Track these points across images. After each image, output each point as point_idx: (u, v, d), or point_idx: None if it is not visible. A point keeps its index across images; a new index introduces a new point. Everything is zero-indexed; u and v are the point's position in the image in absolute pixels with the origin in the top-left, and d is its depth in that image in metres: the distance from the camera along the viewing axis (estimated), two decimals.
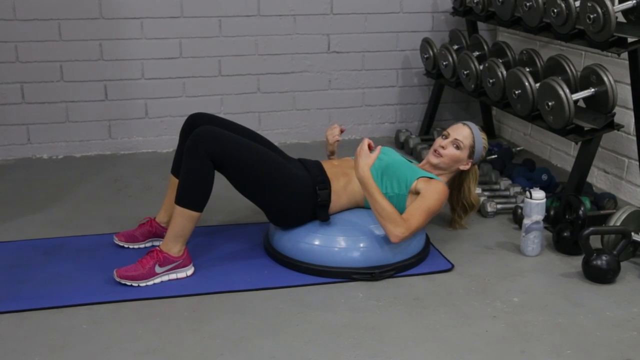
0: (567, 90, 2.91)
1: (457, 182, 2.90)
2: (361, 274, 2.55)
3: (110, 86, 3.96)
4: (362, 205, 2.71)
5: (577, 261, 2.69)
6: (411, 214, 2.53)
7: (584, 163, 2.99)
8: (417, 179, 2.65)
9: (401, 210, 2.69)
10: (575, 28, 3.02)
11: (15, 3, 3.71)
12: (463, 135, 2.78)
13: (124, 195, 3.41)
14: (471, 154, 2.79)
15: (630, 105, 3.09)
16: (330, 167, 2.70)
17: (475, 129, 2.82)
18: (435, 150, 2.79)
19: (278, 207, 2.60)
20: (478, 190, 3.26)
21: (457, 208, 2.97)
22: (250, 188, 2.57)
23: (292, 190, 2.57)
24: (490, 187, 3.39)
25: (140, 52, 3.94)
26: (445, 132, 2.82)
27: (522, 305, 2.41)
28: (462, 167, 2.80)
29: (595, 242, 2.72)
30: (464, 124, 2.83)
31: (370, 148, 2.53)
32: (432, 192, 2.59)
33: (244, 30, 4.05)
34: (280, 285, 2.51)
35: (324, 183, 2.61)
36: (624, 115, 3.26)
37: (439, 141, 2.80)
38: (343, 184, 2.66)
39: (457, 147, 2.76)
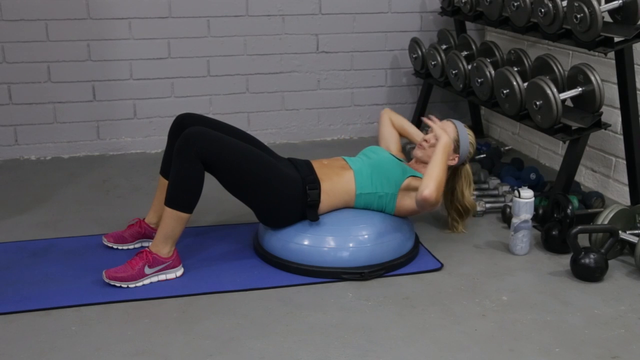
0: (555, 90, 2.93)
1: (449, 184, 2.89)
2: (351, 273, 2.56)
3: (99, 87, 3.94)
4: (352, 205, 2.71)
5: (565, 260, 2.71)
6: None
7: (571, 162, 3.00)
8: (408, 177, 2.66)
9: (391, 210, 2.69)
10: (562, 28, 3.04)
11: (1, 3, 3.69)
12: (446, 128, 2.78)
13: (113, 196, 3.39)
14: (456, 148, 2.79)
15: (617, 104, 3.11)
16: (320, 167, 2.70)
17: (460, 124, 2.84)
18: (419, 144, 2.82)
19: (268, 207, 2.60)
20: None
21: (451, 211, 2.96)
22: (240, 188, 2.56)
23: (282, 190, 2.56)
24: (479, 187, 3.39)
25: (128, 52, 3.92)
26: (419, 139, 2.88)
27: (511, 303, 2.41)
28: (449, 162, 2.77)
29: (583, 240, 2.73)
30: (448, 119, 2.87)
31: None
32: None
33: (233, 31, 4.04)
34: (270, 286, 2.51)
35: (314, 183, 2.61)
36: (611, 114, 3.28)
37: (424, 135, 2.84)
38: (333, 184, 2.66)
39: None
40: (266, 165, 2.54)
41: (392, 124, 3.02)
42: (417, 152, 2.82)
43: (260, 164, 2.53)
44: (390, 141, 3.00)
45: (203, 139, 2.44)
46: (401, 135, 3.03)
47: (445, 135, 2.65)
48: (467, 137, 2.82)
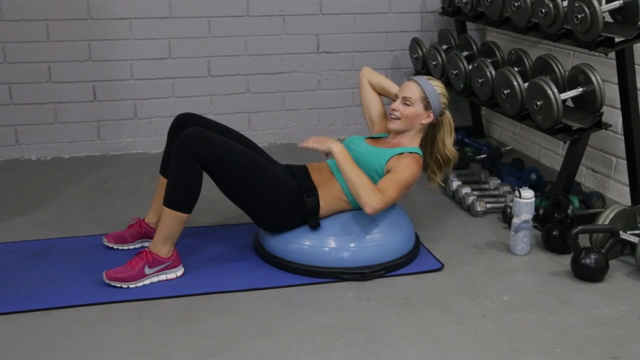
0: (556, 90, 2.93)
1: (429, 135, 2.77)
2: (351, 274, 2.56)
3: (99, 87, 3.94)
4: (351, 208, 2.70)
5: (566, 260, 2.71)
6: (385, 186, 2.48)
7: (572, 162, 3.00)
8: (387, 161, 2.59)
9: None
10: (563, 28, 3.04)
11: (2, 3, 3.69)
12: (409, 91, 2.66)
13: (113, 197, 3.39)
14: (427, 106, 2.66)
15: (618, 104, 3.11)
16: (316, 173, 2.68)
17: (423, 79, 2.69)
18: (389, 118, 2.71)
19: (264, 211, 2.58)
20: (467, 190, 3.26)
21: (430, 162, 2.81)
22: (236, 191, 2.54)
23: (278, 195, 2.55)
24: (479, 187, 3.40)
25: (129, 52, 3.92)
26: (394, 95, 2.75)
27: (511, 304, 2.41)
28: (425, 121, 2.67)
29: (584, 240, 2.73)
30: (410, 79, 2.72)
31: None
32: (403, 166, 2.54)
33: (233, 31, 4.04)
34: (271, 286, 2.51)
35: (311, 190, 2.60)
36: (612, 115, 3.28)
37: (391, 105, 2.72)
38: (328, 191, 2.63)
39: (408, 104, 2.64)
40: (262, 170, 2.53)
41: (372, 86, 2.90)
42: (391, 125, 2.69)
43: (256, 168, 2.52)
44: (372, 108, 2.89)
45: (201, 140, 2.44)
46: (381, 94, 2.91)
47: (329, 144, 2.51)
48: (434, 88, 2.67)
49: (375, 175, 2.60)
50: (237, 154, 2.50)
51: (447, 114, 2.76)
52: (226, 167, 2.48)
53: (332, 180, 2.66)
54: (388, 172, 2.57)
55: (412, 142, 2.69)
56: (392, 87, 2.87)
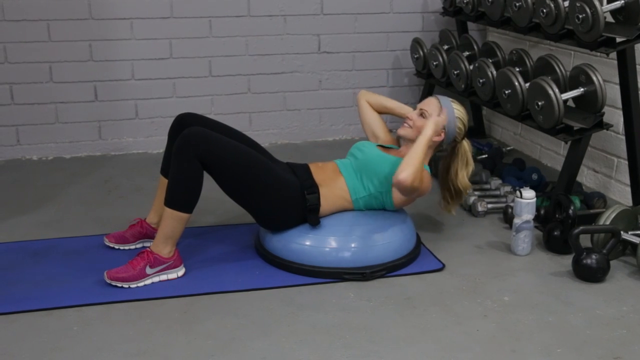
0: (557, 90, 2.93)
1: (446, 162, 2.81)
2: (352, 274, 2.55)
3: (100, 87, 3.94)
4: (352, 209, 2.70)
5: (567, 260, 2.71)
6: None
7: (573, 162, 3.00)
8: (397, 167, 2.57)
9: (390, 206, 2.67)
10: (564, 28, 3.03)
11: (3, 3, 3.69)
12: (428, 105, 2.72)
13: (114, 197, 3.39)
14: None
15: (619, 104, 3.11)
16: (317, 171, 2.68)
17: (445, 98, 2.75)
18: (403, 124, 2.74)
19: (266, 210, 2.59)
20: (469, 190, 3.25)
21: (443, 190, 2.86)
22: (237, 190, 2.55)
23: (280, 193, 2.56)
24: (480, 187, 3.39)
25: (130, 52, 3.92)
26: (398, 113, 2.82)
27: (512, 304, 2.41)
28: (435, 139, 2.67)
29: (585, 241, 2.73)
30: (434, 96, 2.77)
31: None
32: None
33: (234, 31, 4.04)
34: (271, 286, 2.51)
35: (312, 187, 2.60)
36: (613, 115, 3.28)
37: (407, 113, 2.78)
38: (330, 189, 2.64)
39: (423, 117, 2.69)
40: (264, 169, 2.54)
41: (371, 106, 2.93)
42: (401, 131, 2.73)
43: (258, 167, 2.52)
44: (374, 125, 2.92)
45: (202, 139, 2.44)
46: (382, 113, 2.94)
47: (431, 128, 2.60)
48: (454, 112, 2.72)
49: (383, 180, 2.62)
50: (238, 153, 2.50)
51: (465, 145, 2.78)
52: (227, 166, 2.48)
53: (337, 179, 2.66)
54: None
55: None
56: (392, 104, 2.92)
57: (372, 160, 2.67)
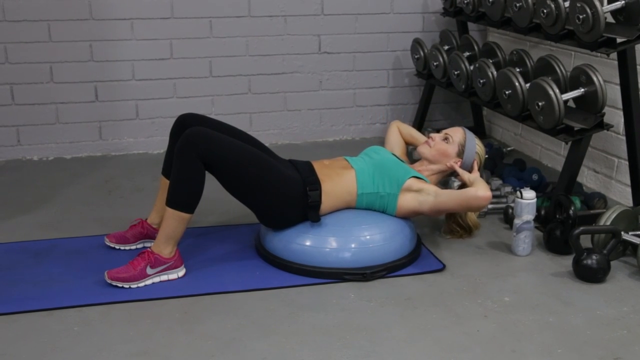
0: (557, 91, 2.93)
1: None
2: (353, 274, 2.56)
3: (101, 87, 3.95)
4: (353, 206, 2.71)
5: (567, 260, 2.70)
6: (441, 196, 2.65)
7: (574, 163, 3.00)
8: (409, 178, 2.66)
9: (392, 210, 2.69)
10: (564, 28, 3.03)
11: (4, 4, 3.69)
12: (453, 131, 2.87)
13: (115, 197, 3.40)
14: (460, 153, 2.81)
15: (620, 105, 3.11)
16: (321, 168, 2.70)
17: (471, 133, 2.89)
18: (426, 141, 2.87)
19: (268, 208, 2.60)
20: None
21: (449, 222, 2.92)
22: (240, 189, 2.56)
23: (282, 191, 2.56)
24: None
25: (130, 53, 3.93)
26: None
27: (513, 304, 2.41)
28: (449, 164, 2.80)
29: (585, 241, 2.73)
30: (461, 127, 2.92)
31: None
32: (441, 190, 2.66)
33: (235, 31, 4.05)
34: (272, 286, 2.51)
35: (315, 184, 2.61)
36: (614, 115, 3.28)
37: (432, 134, 2.90)
38: (334, 184, 2.65)
39: (446, 140, 2.83)
40: (267, 166, 2.54)
41: (400, 133, 3.06)
42: (421, 148, 2.86)
43: (260, 165, 2.53)
44: (395, 145, 3.03)
45: (204, 139, 2.44)
46: (408, 143, 3.06)
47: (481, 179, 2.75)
48: (475, 145, 2.85)
49: (394, 183, 2.66)
50: (240, 151, 2.51)
51: None
52: (230, 165, 2.48)
53: (344, 173, 2.68)
54: (408, 189, 2.64)
55: (429, 177, 2.82)
56: (420, 136, 3.05)
57: (389, 161, 2.73)
